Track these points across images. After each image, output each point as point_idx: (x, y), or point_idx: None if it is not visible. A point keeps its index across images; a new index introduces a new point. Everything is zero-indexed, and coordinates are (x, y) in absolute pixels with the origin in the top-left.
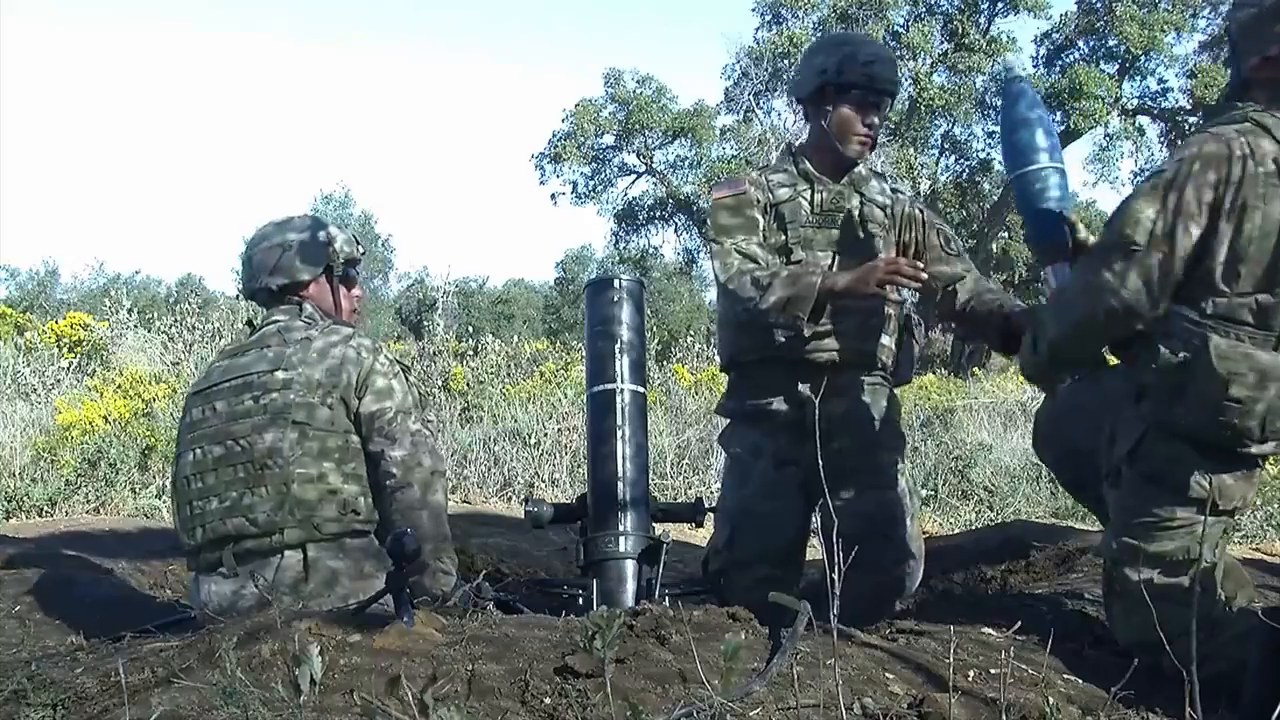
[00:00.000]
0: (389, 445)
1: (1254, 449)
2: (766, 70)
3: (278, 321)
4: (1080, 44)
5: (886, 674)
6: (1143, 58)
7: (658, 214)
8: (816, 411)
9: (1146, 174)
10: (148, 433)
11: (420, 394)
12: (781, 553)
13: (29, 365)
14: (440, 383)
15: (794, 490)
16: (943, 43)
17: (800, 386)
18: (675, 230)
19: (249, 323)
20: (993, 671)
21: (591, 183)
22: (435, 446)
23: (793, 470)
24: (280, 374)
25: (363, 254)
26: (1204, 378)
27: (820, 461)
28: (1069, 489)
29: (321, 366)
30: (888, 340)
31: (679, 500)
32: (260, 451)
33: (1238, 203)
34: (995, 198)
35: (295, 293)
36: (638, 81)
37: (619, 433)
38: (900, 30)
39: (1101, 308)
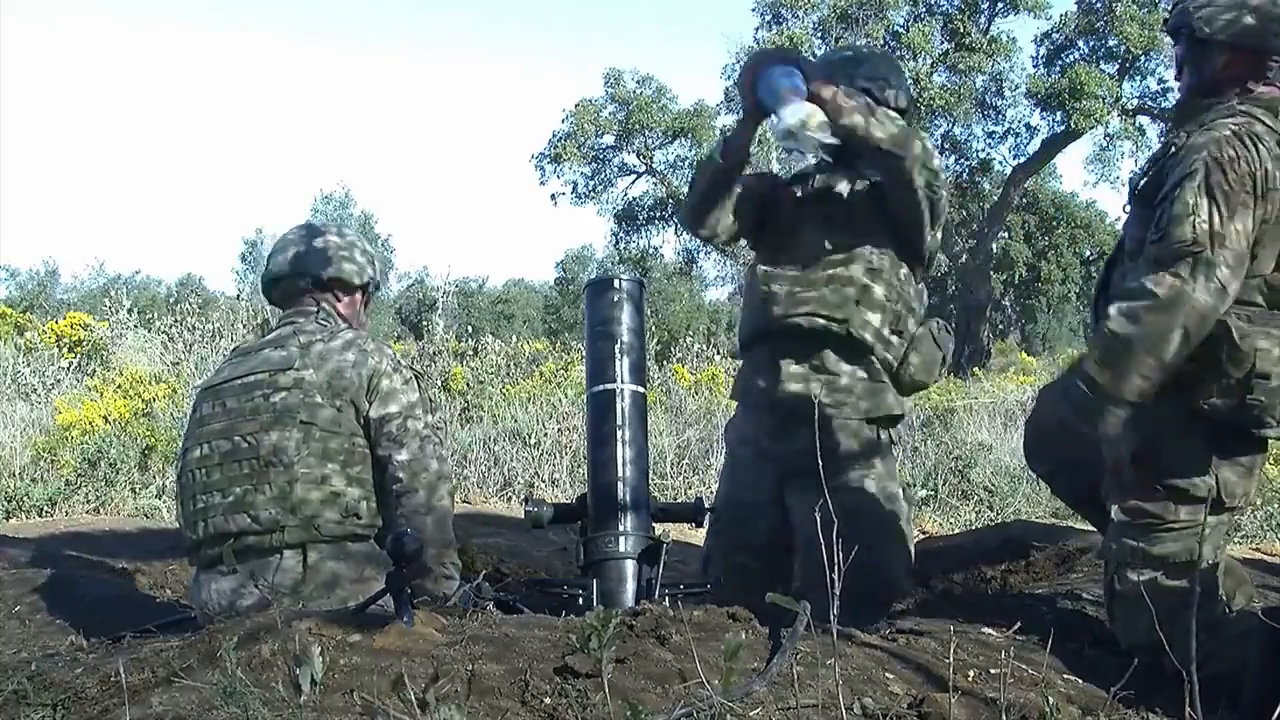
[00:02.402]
0: (396, 449)
1: (1272, 431)
2: None
3: (294, 323)
4: (1080, 44)
5: (886, 674)
6: (1143, 58)
7: (658, 214)
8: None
9: (1170, 182)
10: (148, 433)
11: (430, 399)
12: (759, 546)
13: (29, 365)
14: (440, 383)
15: (771, 483)
16: (943, 43)
17: (781, 362)
18: (675, 230)
19: (264, 324)
20: (993, 671)
21: (591, 183)
22: (442, 452)
23: (769, 467)
24: (290, 374)
25: (383, 280)
26: (1230, 359)
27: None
28: (1066, 501)
29: (329, 368)
30: (874, 317)
31: (679, 500)
32: (265, 449)
33: (1260, 187)
34: (995, 198)
35: (332, 291)
36: (638, 81)
37: (619, 433)
38: (900, 30)
39: (1182, 320)
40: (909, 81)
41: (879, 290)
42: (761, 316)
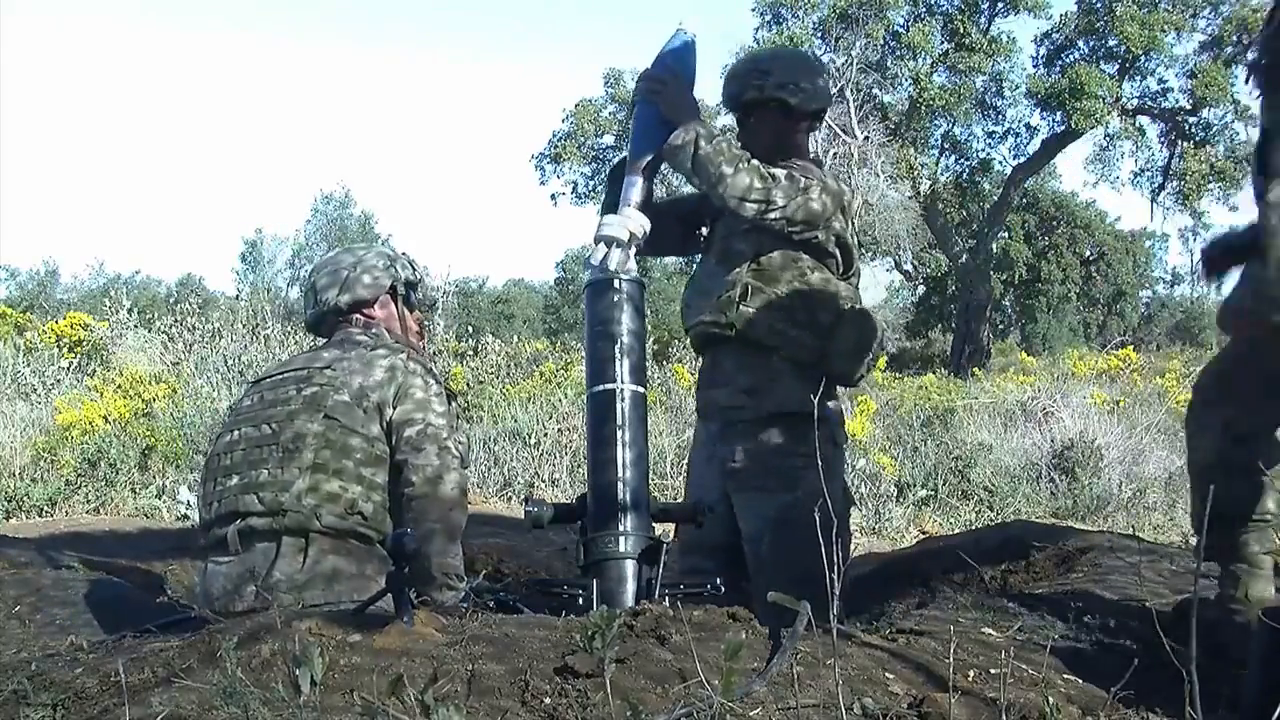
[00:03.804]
0: (414, 456)
1: None
2: None
3: (348, 332)
4: (1080, 44)
5: (886, 674)
6: (1143, 58)
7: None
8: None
9: None
10: (148, 433)
11: (458, 418)
12: (713, 547)
13: (29, 365)
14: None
15: (720, 485)
16: (943, 43)
17: (700, 369)
18: None
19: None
20: (993, 671)
21: (591, 183)
22: (462, 469)
23: (717, 468)
24: (326, 372)
25: (419, 278)
26: None
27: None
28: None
29: (367, 373)
30: (764, 315)
31: (679, 500)
32: (287, 436)
33: None
34: (995, 198)
35: (361, 310)
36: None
37: (619, 434)
38: (900, 30)
39: None
40: (827, 82)
41: (768, 289)
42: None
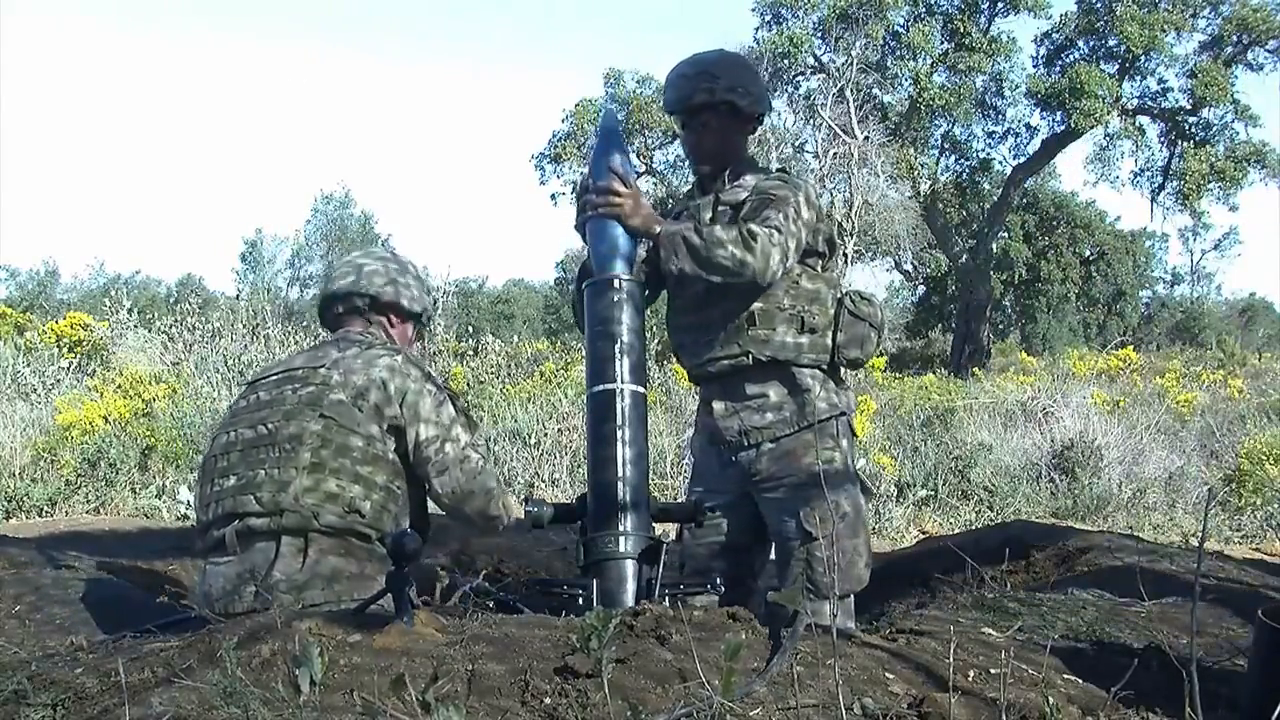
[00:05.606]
0: (435, 474)
1: None
2: (767, 70)
3: (342, 336)
4: (1080, 44)
5: (887, 674)
6: (1143, 58)
7: (657, 214)
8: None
9: None
10: (148, 433)
11: (468, 414)
12: (726, 546)
13: (29, 365)
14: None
15: (737, 486)
16: (943, 43)
17: (712, 402)
18: None
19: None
20: (993, 671)
21: None
22: (487, 470)
23: (734, 471)
24: (321, 372)
25: (433, 314)
26: None
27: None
28: None
29: (363, 373)
30: (773, 332)
31: (679, 500)
32: (283, 436)
33: None
34: (995, 198)
35: (386, 315)
36: (638, 81)
37: (619, 433)
38: (900, 30)
39: None
40: (766, 89)
41: (768, 305)
42: (682, 363)
